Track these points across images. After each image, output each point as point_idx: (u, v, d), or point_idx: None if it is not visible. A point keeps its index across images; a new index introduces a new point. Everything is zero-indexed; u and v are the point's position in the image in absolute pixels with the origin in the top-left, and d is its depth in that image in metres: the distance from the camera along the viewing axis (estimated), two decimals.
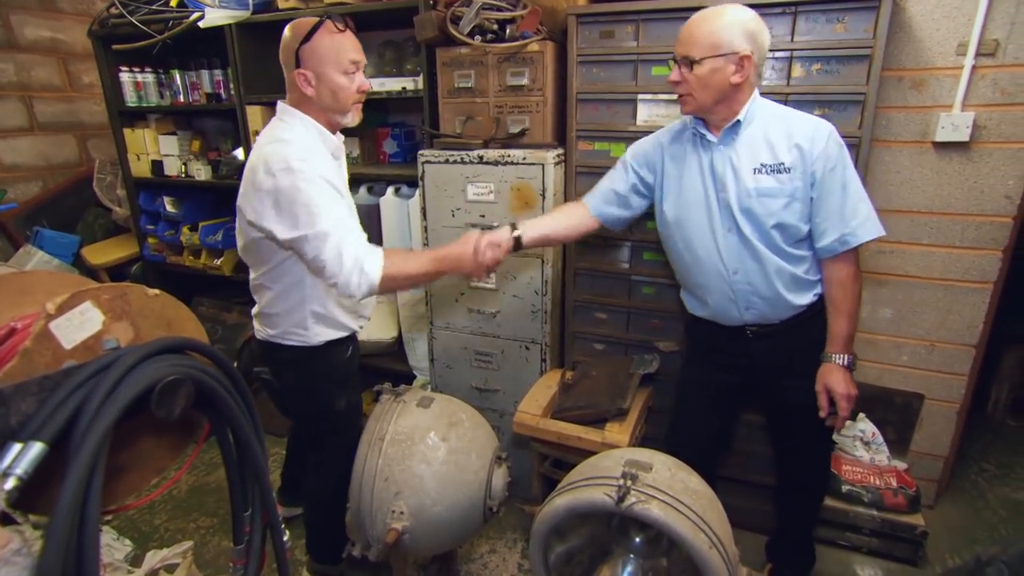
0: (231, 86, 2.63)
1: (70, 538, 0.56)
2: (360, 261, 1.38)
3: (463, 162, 2.05)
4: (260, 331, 1.63)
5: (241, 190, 1.48)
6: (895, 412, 2.22)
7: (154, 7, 2.59)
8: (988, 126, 1.83)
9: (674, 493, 1.32)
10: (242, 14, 2.42)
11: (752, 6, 1.67)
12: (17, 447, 0.57)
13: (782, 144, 1.43)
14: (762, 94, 1.50)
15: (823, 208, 1.43)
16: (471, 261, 1.52)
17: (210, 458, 2.69)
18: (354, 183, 2.60)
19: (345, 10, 2.26)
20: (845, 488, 2.06)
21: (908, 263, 2.04)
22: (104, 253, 3.37)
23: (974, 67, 1.79)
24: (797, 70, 1.75)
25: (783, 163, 1.43)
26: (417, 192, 2.22)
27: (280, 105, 1.54)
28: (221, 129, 3.07)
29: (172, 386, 0.68)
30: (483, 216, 2.08)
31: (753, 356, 1.61)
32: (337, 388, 1.69)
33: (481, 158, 2.03)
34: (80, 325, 0.68)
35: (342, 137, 1.63)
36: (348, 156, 2.70)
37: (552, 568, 1.49)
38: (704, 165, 1.51)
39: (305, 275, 1.52)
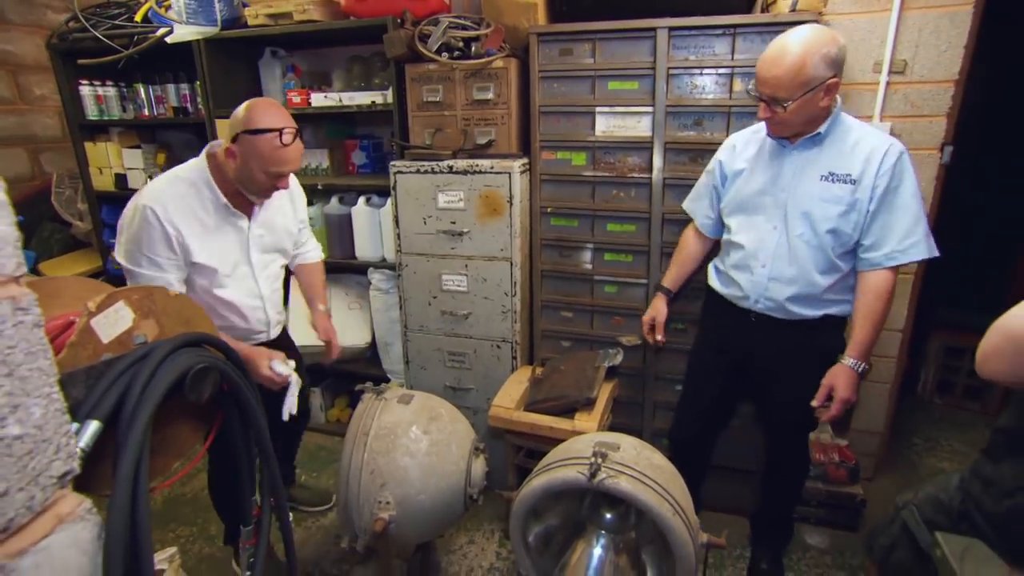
0: (199, 100, 2.67)
1: (128, 505, 0.64)
2: None
3: (434, 172, 2.16)
4: None
5: None
6: None
7: (118, 22, 2.60)
8: (902, 134, 2.06)
9: (640, 468, 1.45)
10: (211, 30, 2.47)
11: (697, 28, 1.87)
12: (76, 425, 0.65)
13: (853, 156, 1.51)
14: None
15: (879, 223, 1.51)
16: (255, 371, 1.62)
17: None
18: (325, 193, 2.69)
19: (314, 28, 2.34)
20: None
21: None
22: (63, 268, 3.31)
23: (888, 83, 2.02)
24: (738, 84, 1.94)
25: (850, 175, 1.51)
26: (389, 201, 2.31)
27: (210, 145, 1.64)
28: (187, 143, 3.08)
29: (202, 372, 0.77)
30: (454, 223, 2.19)
31: (753, 343, 1.73)
32: None
33: (451, 168, 2.14)
34: (115, 322, 0.76)
35: (267, 205, 1.74)
36: (317, 168, 2.78)
37: (532, 548, 1.61)
38: (774, 166, 1.62)
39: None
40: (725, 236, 1.76)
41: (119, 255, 1.56)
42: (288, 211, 1.86)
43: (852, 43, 2.04)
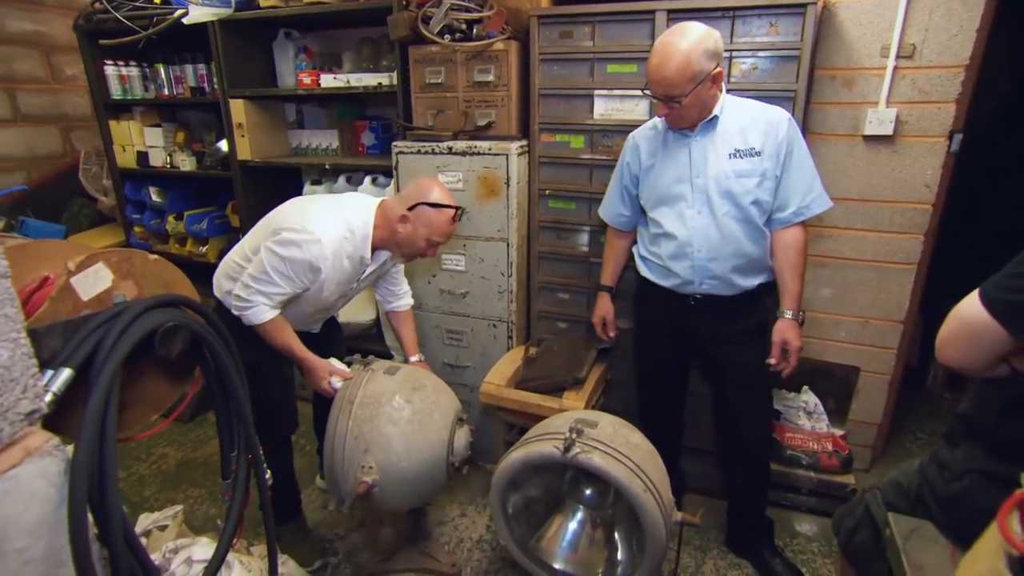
0: (215, 80, 2.75)
1: (95, 439, 0.71)
2: (255, 303, 1.67)
3: (434, 153, 2.20)
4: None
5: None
6: (835, 384, 2.42)
7: (138, 3, 2.69)
8: (909, 121, 2.02)
9: (615, 446, 1.49)
10: (225, 11, 2.54)
11: (695, 10, 1.86)
12: (50, 372, 0.72)
13: (751, 131, 1.65)
14: None
15: (783, 185, 1.67)
16: (314, 383, 1.81)
17: (197, 436, 2.82)
18: (333, 173, 2.75)
19: (323, 9, 2.39)
20: (787, 452, 2.26)
21: (844, 246, 2.23)
22: (90, 242, 3.46)
23: (895, 68, 1.98)
24: (736, 68, 1.92)
25: (753, 147, 1.65)
26: (392, 181, 2.36)
27: (386, 199, 1.81)
28: (205, 121, 3.18)
29: (172, 331, 0.83)
30: None
31: (692, 322, 1.82)
32: (244, 343, 1.81)
33: (451, 149, 2.18)
34: (94, 282, 0.83)
35: (384, 256, 1.87)
36: (327, 148, 2.85)
37: (511, 516, 1.66)
38: (681, 155, 1.72)
39: None
40: (653, 230, 1.83)
41: (265, 255, 1.63)
42: (387, 265, 1.98)
43: (859, 26, 2.00)
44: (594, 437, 1.50)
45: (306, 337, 1.85)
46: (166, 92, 2.99)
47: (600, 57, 2.06)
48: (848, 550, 1.28)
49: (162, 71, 2.95)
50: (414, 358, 2.07)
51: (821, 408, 2.37)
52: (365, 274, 1.84)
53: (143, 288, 0.90)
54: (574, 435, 1.48)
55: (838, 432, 2.31)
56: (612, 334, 2.10)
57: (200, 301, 0.98)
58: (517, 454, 1.55)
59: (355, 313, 2.80)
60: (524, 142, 2.22)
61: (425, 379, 1.81)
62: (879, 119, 2.03)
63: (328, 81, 2.55)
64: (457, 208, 1.76)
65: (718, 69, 1.56)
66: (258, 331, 1.71)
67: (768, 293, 1.82)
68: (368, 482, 1.59)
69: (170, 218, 3.12)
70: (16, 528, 0.65)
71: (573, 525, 1.69)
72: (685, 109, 1.59)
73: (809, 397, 2.39)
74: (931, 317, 2.29)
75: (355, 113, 2.93)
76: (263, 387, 1.82)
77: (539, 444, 1.52)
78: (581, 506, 1.73)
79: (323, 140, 2.86)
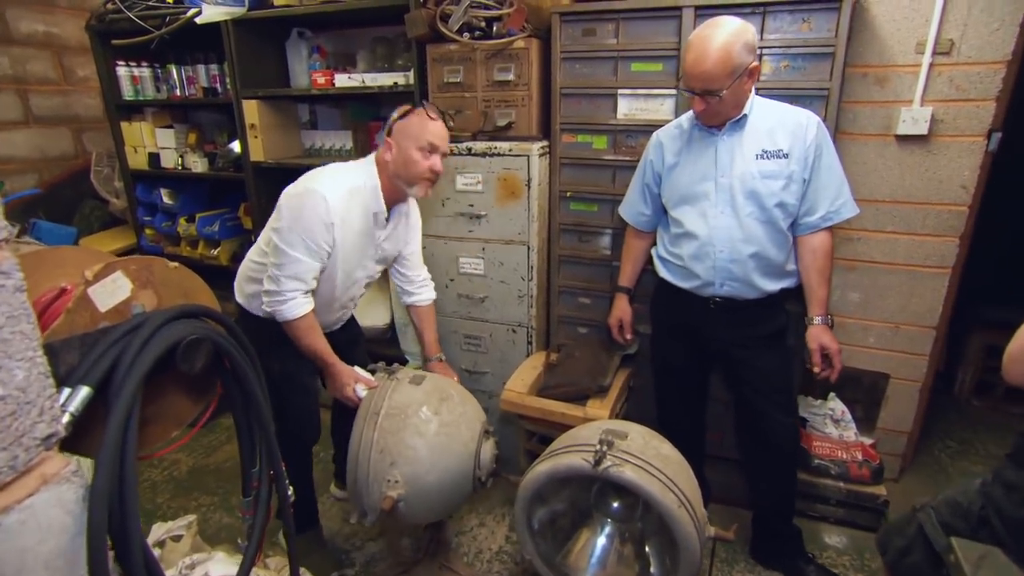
0: (227, 80, 2.71)
1: (115, 465, 0.66)
2: (290, 295, 1.61)
3: (453, 153, 2.15)
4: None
5: None
6: (863, 391, 2.35)
7: (151, 3, 2.65)
8: (945, 120, 1.95)
9: (647, 458, 1.43)
10: (238, 10, 2.50)
11: (723, 7, 1.80)
12: (68, 390, 0.67)
13: (779, 133, 1.62)
14: None
15: (812, 189, 1.64)
16: (337, 389, 1.73)
17: (209, 441, 2.78)
18: None
19: (337, 7, 2.34)
20: (815, 462, 2.19)
21: (874, 249, 2.16)
22: (102, 244, 3.43)
23: (931, 64, 1.91)
24: (766, 66, 1.86)
25: (781, 149, 1.61)
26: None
27: (371, 158, 1.74)
28: (217, 122, 3.15)
29: (195, 344, 0.78)
30: (471, 205, 2.18)
31: (710, 326, 1.78)
32: (266, 354, 1.72)
33: (470, 150, 2.12)
34: (112, 292, 0.78)
35: (406, 207, 1.84)
36: (340, 149, 2.80)
37: (536, 531, 1.60)
38: (707, 153, 1.69)
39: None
40: (674, 230, 1.79)
41: (276, 236, 1.60)
42: (411, 227, 1.93)
43: (893, 22, 1.93)
44: (624, 449, 1.44)
45: (329, 339, 1.80)
46: (178, 93, 2.95)
47: (624, 55, 2.01)
48: (897, 572, 1.22)
49: (174, 72, 2.91)
50: (435, 357, 2.00)
51: (849, 416, 2.30)
52: (384, 236, 1.78)
53: (163, 298, 0.85)
54: (604, 447, 1.42)
55: (867, 441, 2.24)
56: (629, 337, 2.05)
57: (220, 310, 0.93)
58: (544, 466, 1.49)
59: (370, 316, 2.75)
60: (545, 143, 2.17)
61: (451, 389, 1.75)
62: (913, 118, 1.96)
63: (342, 81, 2.50)
64: (422, 103, 1.69)
65: (755, 63, 1.53)
66: (290, 330, 1.66)
67: (789, 299, 1.78)
68: (394, 497, 1.54)
69: (182, 220, 3.08)
70: (33, 560, 0.60)
71: (602, 540, 1.63)
72: (723, 104, 1.56)
73: (836, 404, 2.32)
74: (957, 320, 2.22)
75: (369, 114, 2.88)
76: (287, 398, 1.77)
77: (567, 456, 1.46)
78: (609, 520, 1.67)
79: (337, 141, 2.81)
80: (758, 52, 1.60)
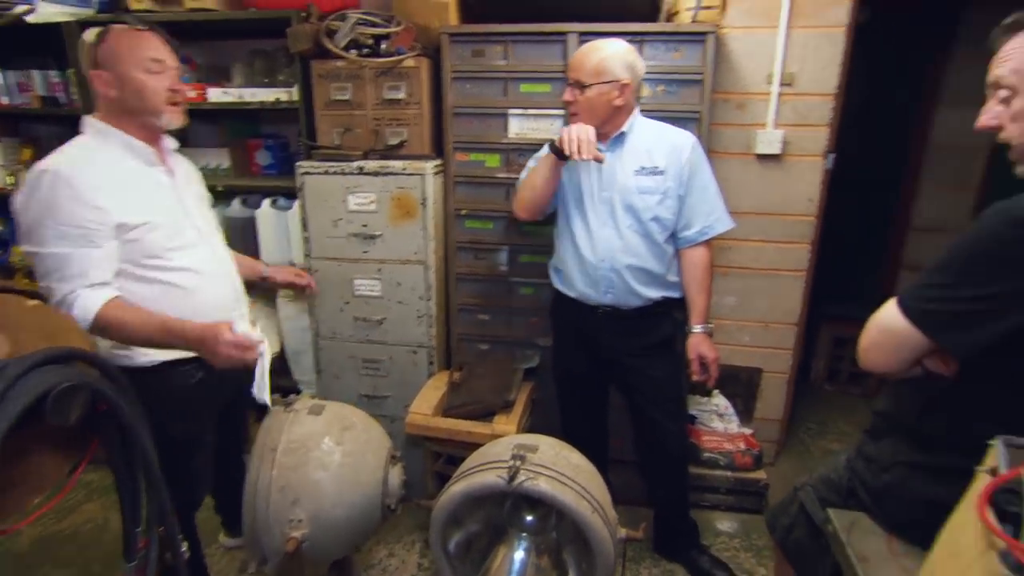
0: (72, 90, 2.41)
1: None
2: (72, 297, 1.27)
3: (343, 173, 2.07)
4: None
5: None
6: (741, 385, 2.57)
7: None
8: (793, 141, 2.22)
9: (559, 469, 1.45)
10: (84, 12, 2.23)
11: (605, 34, 1.91)
12: None
13: (657, 151, 1.72)
14: None
15: (689, 204, 1.75)
16: (212, 352, 1.32)
17: (60, 503, 2.40)
18: (226, 195, 2.51)
19: (208, 17, 2.18)
20: (705, 455, 2.36)
21: (744, 256, 2.40)
22: None
23: (779, 94, 2.17)
24: (646, 90, 2.01)
25: (658, 166, 1.72)
26: (296, 203, 2.19)
27: (84, 119, 1.40)
28: (60, 136, 2.72)
29: (68, 392, 0.67)
30: (365, 225, 2.11)
31: (599, 335, 1.86)
32: (171, 416, 1.41)
33: (361, 169, 2.06)
34: None
35: (173, 143, 1.52)
36: (216, 168, 2.60)
37: (453, 555, 1.57)
38: (591, 168, 1.76)
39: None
40: (561, 240, 1.88)
41: (28, 245, 1.29)
42: (196, 175, 1.66)
43: (748, 55, 2.17)
44: (537, 462, 1.46)
45: (207, 368, 1.44)
46: (6, 101, 2.57)
47: (513, 76, 2.06)
48: (786, 548, 1.34)
49: (1, 77, 2.53)
50: (265, 267, 1.93)
51: (731, 410, 2.51)
52: (180, 186, 1.49)
53: (21, 343, 0.73)
54: (517, 462, 1.42)
55: (748, 431, 2.45)
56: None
57: (93, 351, 0.82)
58: (458, 487, 1.47)
59: None
60: (439, 161, 2.16)
61: (354, 416, 1.67)
62: (768, 140, 2.21)
63: (216, 96, 2.33)
64: (123, 20, 1.41)
65: (628, 83, 1.64)
66: (106, 332, 1.30)
67: (674, 309, 1.89)
68: (298, 537, 1.43)
69: (15, 249, 2.67)
70: None
71: (519, 555, 1.63)
72: (584, 102, 1.65)
73: (720, 400, 2.52)
74: (809, 316, 2.52)
75: (248, 131, 2.70)
76: (189, 461, 1.57)
77: (481, 475, 1.45)
78: (524, 534, 1.67)
79: (211, 159, 2.60)
80: (637, 80, 1.70)
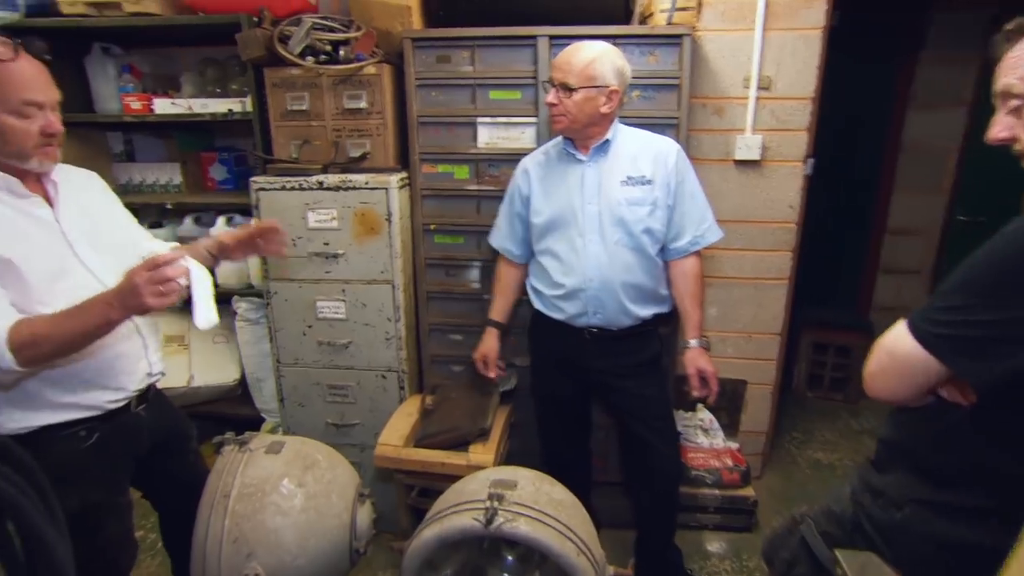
0: None
1: None
2: None
3: (302, 188, 1.94)
4: None
5: None
6: (726, 399, 2.49)
7: None
8: (772, 147, 2.16)
9: (540, 507, 1.34)
10: (9, 16, 2.05)
11: (576, 37, 1.82)
12: None
13: (642, 159, 1.63)
14: None
15: (679, 214, 1.66)
16: (139, 304, 1.11)
17: None
18: (177, 213, 2.35)
19: (150, 22, 2.03)
20: (692, 473, 2.27)
21: (725, 266, 2.32)
22: None
23: (757, 98, 2.10)
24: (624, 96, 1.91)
25: (645, 175, 1.63)
26: (252, 221, 2.04)
27: None
28: None
29: None
30: (327, 244, 1.97)
31: (586, 356, 1.75)
32: (63, 486, 1.14)
33: (321, 184, 1.93)
34: None
35: (53, 166, 1.24)
36: (167, 184, 2.43)
37: None
38: (573, 180, 1.66)
39: None
40: (543, 259, 1.75)
41: None
42: (105, 197, 1.42)
43: (724, 58, 2.10)
44: (516, 500, 1.34)
45: (103, 422, 1.30)
46: None
47: (481, 83, 1.96)
48: None
49: None
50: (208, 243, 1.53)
51: (716, 424, 2.43)
52: (65, 221, 1.25)
53: None
54: (495, 503, 1.30)
55: (734, 445, 2.37)
56: (493, 374, 1.93)
57: None
58: (431, 531, 1.34)
59: (213, 373, 2.39)
60: (404, 174, 2.04)
61: (317, 453, 1.54)
62: (747, 145, 2.14)
63: (164, 107, 2.18)
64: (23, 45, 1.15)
65: (616, 90, 1.55)
66: (21, 351, 1.09)
67: (662, 325, 1.81)
68: None
69: None
70: None
71: None
72: (570, 106, 1.54)
73: (704, 415, 2.44)
74: (793, 324, 2.47)
75: (201, 144, 2.55)
76: (101, 530, 1.37)
77: (456, 517, 1.33)
78: (505, 574, 1.55)
79: (162, 175, 2.44)
80: (624, 86, 1.61)
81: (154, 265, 1.09)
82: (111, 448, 1.34)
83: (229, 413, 2.44)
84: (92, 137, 2.41)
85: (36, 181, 1.24)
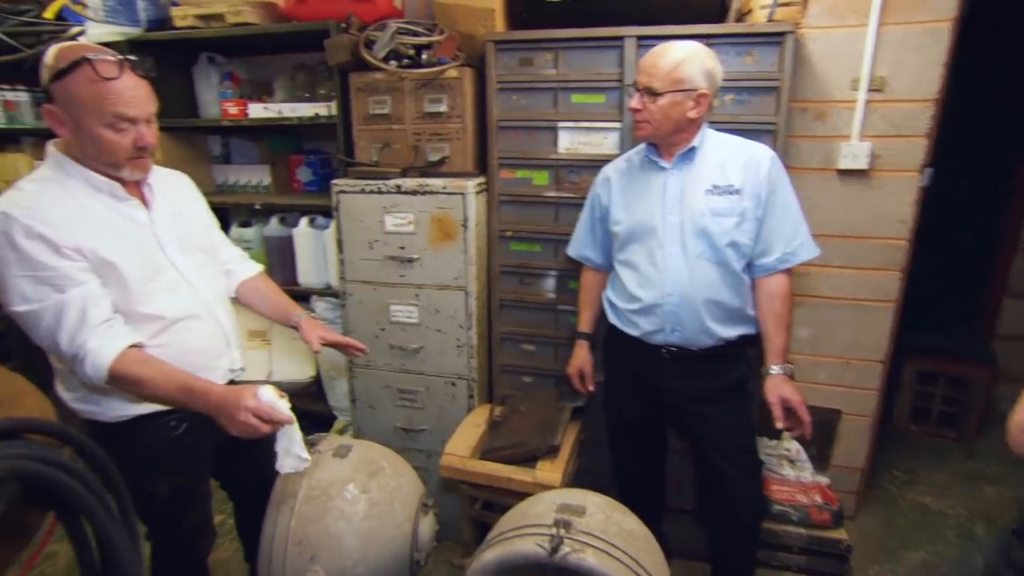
0: None
1: None
2: (82, 353, 1.13)
3: (380, 192, 1.95)
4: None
5: None
6: (816, 429, 2.24)
7: (25, 18, 2.32)
8: (882, 155, 1.94)
9: (608, 538, 1.26)
10: (133, 31, 2.22)
11: (667, 37, 1.71)
12: None
13: (731, 167, 1.51)
14: None
15: (767, 228, 1.53)
16: (230, 419, 1.19)
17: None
18: (265, 213, 2.45)
19: (248, 31, 2.12)
20: (775, 508, 2.08)
21: (822, 284, 2.12)
22: None
23: (867, 101, 1.90)
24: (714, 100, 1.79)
25: (732, 184, 1.50)
26: (332, 223, 2.09)
27: (47, 146, 1.24)
28: None
29: None
30: (403, 248, 1.98)
31: (661, 377, 1.63)
32: (153, 472, 1.32)
33: (399, 187, 1.93)
34: None
35: (144, 176, 1.29)
36: (257, 185, 2.54)
37: None
38: (655, 189, 1.57)
39: None
40: (621, 271, 1.66)
41: (10, 303, 1.14)
42: (193, 199, 1.49)
43: (829, 58, 1.91)
44: (584, 529, 1.26)
45: (190, 416, 1.32)
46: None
47: (564, 86, 1.89)
48: None
49: None
50: (299, 314, 1.61)
51: (804, 455, 2.22)
52: (158, 223, 1.31)
53: None
54: (561, 530, 1.23)
55: (823, 481, 2.16)
56: (591, 388, 1.87)
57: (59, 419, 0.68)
58: (492, 554, 1.29)
59: (292, 370, 2.47)
60: (482, 179, 2.01)
61: (384, 460, 1.53)
62: (853, 153, 1.94)
63: (257, 111, 2.28)
64: (90, 58, 1.12)
65: (705, 93, 1.45)
66: (122, 382, 1.18)
67: (748, 347, 1.66)
68: None
69: None
70: None
71: None
72: (655, 111, 1.45)
73: (791, 444, 2.24)
74: (896, 351, 2.21)
75: (290, 146, 2.65)
76: (183, 517, 1.43)
77: (519, 541, 1.27)
78: None
79: (253, 176, 2.55)
80: (715, 89, 1.50)
81: (263, 414, 1.18)
82: (196, 438, 1.39)
83: (304, 408, 2.51)
84: (195, 140, 2.57)
85: (134, 184, 1.30)
